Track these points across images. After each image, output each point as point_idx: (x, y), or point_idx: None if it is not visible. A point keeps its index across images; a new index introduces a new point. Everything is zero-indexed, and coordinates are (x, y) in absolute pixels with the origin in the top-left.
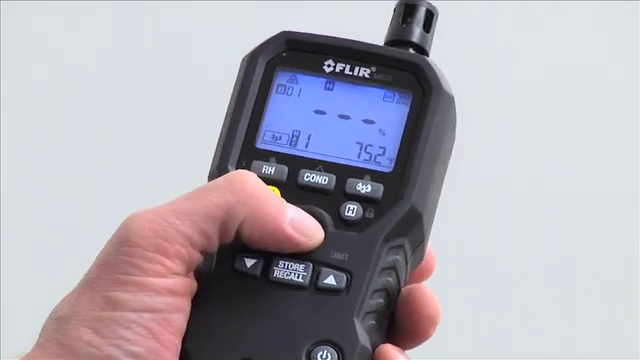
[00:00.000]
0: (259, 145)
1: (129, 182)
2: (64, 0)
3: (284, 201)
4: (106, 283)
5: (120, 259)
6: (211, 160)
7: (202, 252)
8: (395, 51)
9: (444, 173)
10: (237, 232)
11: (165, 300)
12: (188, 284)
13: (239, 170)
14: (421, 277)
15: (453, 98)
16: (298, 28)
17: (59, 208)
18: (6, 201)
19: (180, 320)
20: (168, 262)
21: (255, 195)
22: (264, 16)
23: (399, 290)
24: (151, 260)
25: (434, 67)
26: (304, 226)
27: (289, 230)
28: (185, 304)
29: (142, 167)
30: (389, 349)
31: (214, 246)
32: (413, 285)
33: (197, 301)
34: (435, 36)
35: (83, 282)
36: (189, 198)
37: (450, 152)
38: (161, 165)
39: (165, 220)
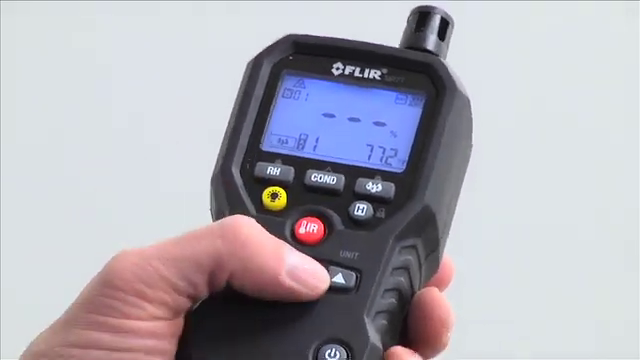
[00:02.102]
0: (264, 148)
1: (133, 183)
2: (64, 0)
3: (284, 246)
4: (83, 322)
5: (100, 300)
6: (214, 164)
7: (190, 297)
8: (407, 52)
9: (460, 180)
10: (228, 281)
11: (144, 342)
12: (173, 326)
13: (235, 215)
14: (437, 287)
15: (469, 99)
16: (308, 31)
17: (59, 208)
18: (6, 201)
19: None
20: (150, 307)
21: (249, 245)
22: (272, 18)
23: (412, 294)
24: (132, 304)
25: (448, 67)
26: (305, 276)
27: (287, 282)
28: (167, 346)
29: (146, 170)
30: (400, 350)
31: (202, 293)
32: (423, 289)
33: (201, 303)
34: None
35: (62, 318)
36: (178, 242)
37: (466, 158)
38: (165, 169)
39: (150, 264)
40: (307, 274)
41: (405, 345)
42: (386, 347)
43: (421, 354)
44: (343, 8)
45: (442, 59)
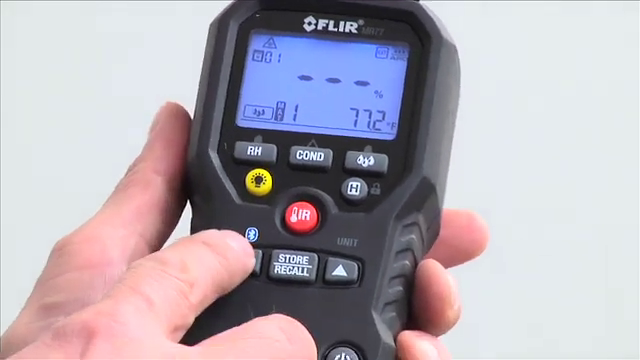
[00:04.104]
0: (240, 123)
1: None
2: (66, 0)
3: None
4: (38, 293)
5: (50, 263)
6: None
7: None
8: None
9: (452, 131)
10: None
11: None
12: None
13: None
14: (471, 254)
15: (455, 47)
16: None
17: (60, 207)
18: (7, 197)
19: None
20: (100, 248)
21: None
22: None
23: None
24: (81, 252)
25: (430, 14)
26: None
27: None
28: None
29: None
30: (407, 336)
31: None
32: (421, 262)
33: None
34: None
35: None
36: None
37: (457, 108)
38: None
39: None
40: None
41: (412, 326)
42: (396, 335)
43: (429, 333)
44: None
45: (422, 3)
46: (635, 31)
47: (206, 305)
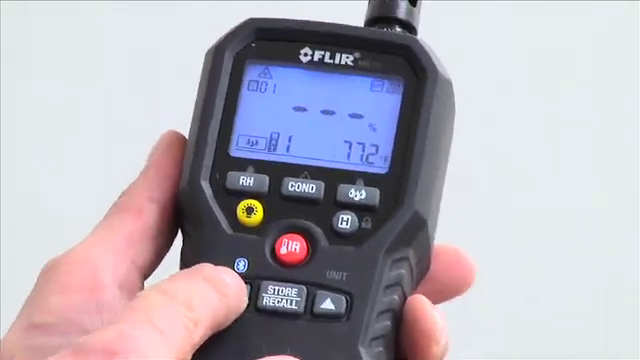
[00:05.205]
0: (233, 153)
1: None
2: (64, 0)
3: None
4: (27, 313)
5: (40, 284)
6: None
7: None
8: (380, 32)
9: (445, 167)
10: None
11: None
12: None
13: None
14: (458, 290)
15: (451, 83)
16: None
17: (62, 204)
18: (8, 195)
19: None
20: (91, 271)
21: None
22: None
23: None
24: (71, 274)
25: (426, 48)
26: None
27: None
28: None
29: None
30: None
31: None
32: (410, 298)
33: None
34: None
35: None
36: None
37: (450, 144)
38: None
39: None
40: None
41: None
42: None
43: None
44: None
45: (417, 30)
46: (635, 31)
47: (202, 342)
